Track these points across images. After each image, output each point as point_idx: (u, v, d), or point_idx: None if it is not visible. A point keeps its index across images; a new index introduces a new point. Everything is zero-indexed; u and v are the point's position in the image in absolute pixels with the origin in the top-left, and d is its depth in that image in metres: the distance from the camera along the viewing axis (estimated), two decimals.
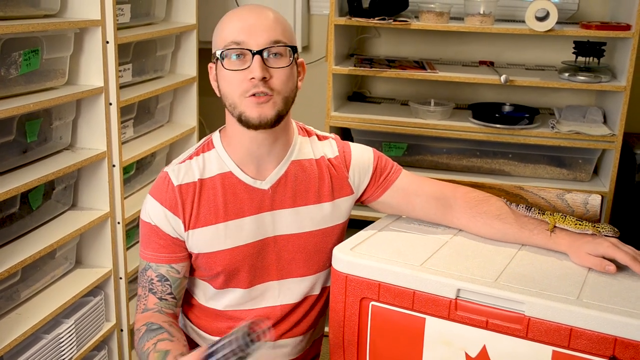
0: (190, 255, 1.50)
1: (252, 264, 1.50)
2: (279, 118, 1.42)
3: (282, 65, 1.40)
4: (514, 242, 1.50)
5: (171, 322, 1.46)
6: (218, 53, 1.41)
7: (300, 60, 1.48)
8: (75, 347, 2.01)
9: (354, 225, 1.65)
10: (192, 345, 1.61)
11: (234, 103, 1.41)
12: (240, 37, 1.38)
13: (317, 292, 1.58)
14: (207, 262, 1.48)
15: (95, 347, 2.15)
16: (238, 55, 1.39)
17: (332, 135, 1.63)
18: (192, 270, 1.54)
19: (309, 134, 1.59)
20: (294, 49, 1.42)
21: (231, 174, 1.48)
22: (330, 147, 1.58)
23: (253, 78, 1.37)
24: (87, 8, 1.98)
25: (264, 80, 1.37)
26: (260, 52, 1.37)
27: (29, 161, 1.92)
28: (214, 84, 1.48)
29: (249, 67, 1.38)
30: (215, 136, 1.53)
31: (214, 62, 1.45)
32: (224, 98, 1.44)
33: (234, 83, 1.39)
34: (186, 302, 1.60)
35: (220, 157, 1.49)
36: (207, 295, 1.55)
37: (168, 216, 1.45)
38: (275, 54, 1.40)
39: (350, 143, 1.62)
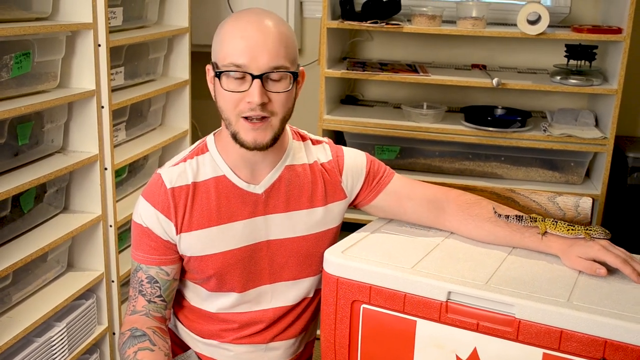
0: (181, 258, 1.50)
1: (245, 268, 1.50)
2: (275, 140, 1.42)
3: (282, 90, 1.38)
4: (506, 244, 1.50)
5: (155, 329, 1.45)
6: (217, 71, 1.38)
7: (301, 69, 1.45)
8: (67, 350, 2.00)
9: (346, 228, 1.65)
10: (184, 347, 1.61)
11: (229, 120, 1.40)
12: (242, 59, 1.34)
13: (309, 295, 1.58)
14: (199, 266, 1.48)
15: (87, 351, 2.14)
16: (239, 77, 1.36)
17: (326, 139, 1.63)
18: (184, 273, 1.54)
19: (303, 138, 1.58)
20: (294, 74, 1.40)
21: (225, 178, 1.48)
22: (323, 152, 1.58)
23: (250, 102, 1.36)
24: (79, 11, 1.98)
25: (262, 105, 1.36)
26: (260, 77, 1.35)
27: (20, 164, 1.92)
28: (210, 86, 1.46)
29: (247, 90, 1.36)
30: (210, 139, 1.52)
31: (213, 69, 1.42)
32: (220, 110, 1.42)
33: (231, 102, 1.37)
34: (178, 303, 1.59)
35: (214, 161, 1.49)
36: (200, 298, 1.55)
37: (160, 219, 1.45)
38: (276, 77, 1.37)
39: (344, 147, 1.62)
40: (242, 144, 1.40)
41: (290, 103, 1.42)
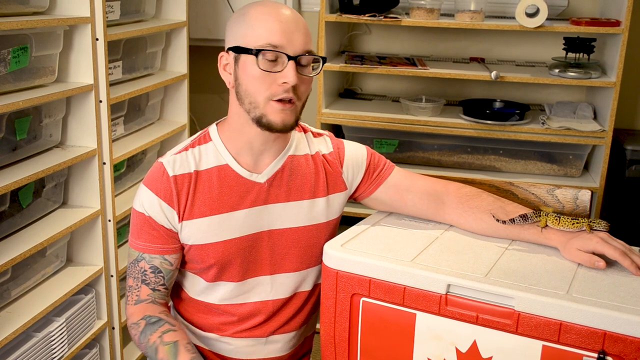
0: (182, 247, 1.50)
1: (245, 257, 1.50)
2: (297, 123, 1.46)
3: (312, 74, 1.43)
4: (505, 237, 1.50)
5: (166, 312, 1.49)
6: (254, 49, 1.37)
7: None
8: (66, 345, 2.00)
9: (345, 221, 1.65)
10: None
11: (256, 103, 1.40)
12: (280, 40, 1.37)
13: (309, 287, 1.59)
14: (200, 254, 1.48)
15: (87, 345, 2.14)
16: (272, 59, 1.38)
17: (327, 132, 1.64)
18: (183, 264, 1.54)
19: (304, 130, 1.60)
20: (324, 59, 1.45)
21: (228, 167, 1.48)
22: (325, 144, 1.59)
23: (285, 82, 1.37)
24: (76, 5, 1.98)
25: (294, 86, 1.38)
26: (295, 58, 1.37)
27: (18, 159, 1.91)
28: (224, 75, 1.46)
29: (281, 71, 1.38)
30: (212, 129, 1.53)
31: (228, 53, 1.43)
32: (243, 94, 1.42)
33: (264, 84, 1.39)
34: (177, 296, 1.60)
35: (217, 150, 1.49)
36: (198, 289, 1.55)
37: (163, 207, 1.45)
38: (308, 61, 1.41)
39: (344, 140, 1.63)
40: (269, 127, 1.41)
41: (310, 90, 1.46)
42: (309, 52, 1.40)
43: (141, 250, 1.48)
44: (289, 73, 1.37)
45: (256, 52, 1.37)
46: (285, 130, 1.43)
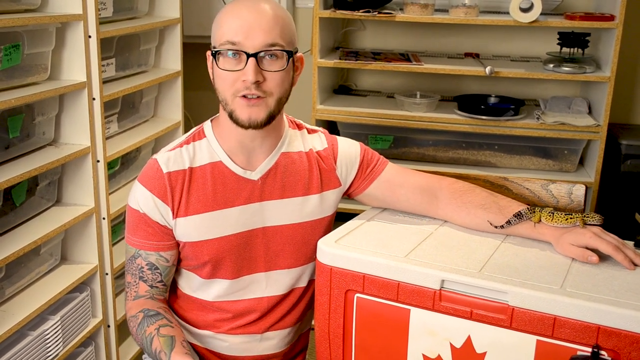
0: (178, 243, 1.49)
1: (240, 254, 1.50)
2: (270, 119, 1.43)
3: (277, 69, 1.40)
4: (498, 232, 1.50)
5: (165, 309, 1.50)
6: (213, 50, 1.40)
7: (298, 55, 1.47)
8: (61, 343, 2.00)
9: (339, 218, 1.65)
10: None
11: (226, 100, 1.41)
12: (237, 37, 1.36)
13: (304, 284, 1.59)
14: (194, 251, 1.48)
15: (82, 344, 2.14)
16: (234, 54, 1.38)
17: (321, 129, 1.64)
18: (179, 261, 1.54)
19: (299, 127, 1.59)
20: (289, 53, 1.41)
21: (221, 164, 1.48)
22: (319, 140, 1.59)
23: (245, 80, 1.37)
24: (68, 2, 1.97)
25: (257, 83, 1.37)
26: (255, 55, 1.37)
27: (11, 157, 1.90)
28: (210, 72, 1.47)
29: (242, 69, 1.37)
30: (207, 126, 1.52)
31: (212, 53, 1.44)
32: (217, 92, 1.44)
33: (227, 82, 1.39)
34: (172, 292, 1.60)
35: (211, 147, 1.49)
36: (193, 286, 1.55)
37: (157, 204, 1.45)
38: (271, 55, 1.39)
39: (338, 137, 1.63)
40: (237, 122, 1.41)
41: (287, 84, 1.44)
42: (272, 46, 1.38)
43: (137, 247, 1.48)
44: (248, 70, 1.36)
45: (215, 52, 1.40)
46: (254, 126, 1.41)
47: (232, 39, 1.37)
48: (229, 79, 1.39)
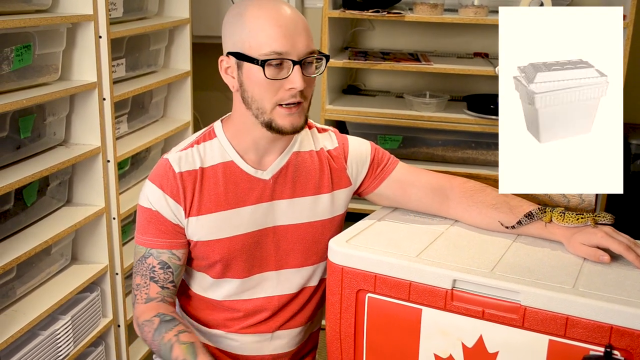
0: (189, 242, 1.49)
1: (251, 254, 1.50)
2: (306, 122, 1.45)
3: (317, 74, 1.42)
4: (509, 232, 1.49)
5: (176, 313, 1.48)
6: (260, 59, 1.36)
7: None
8: (72, 343, 2.01)
9: (350, 218, 1.65)
10: None
11: (264, 109, 1.40)
12: (283, 47, 1.35)
13: (314, 283, 1.59)
14: (205, 251, 1.48)
15: (92, 344, 2.15)
16: (277, 64, 1.37)
17: (331, 128, 1.64)
18: (189, 261, 1.53)
19: (309, 126, 1.59)
20: (327, 57, 1.44)
21: (233, 164, 1.48)
22: (329, 139, 1.59)
23: (292, 88, 1.37)
24: (79, 3, 1.98)
25: (300, 90, 1.38)
26: (300, 62, 1.37)
27: (22, 157, 1.91)
28: (227, 78, 1.45)
29: (287, 77, 1.37)
30: (217, 125, 1.52)
31: (229, 57, 1.42)
32: (249, 100, 1.41)
33: (270, 91, 1.38)
34: (183, 293, 1.60)
35: (222, 146, 1.49)
36: (204, 286, 1.55)
37: (169, 202, 1.45)
38: (312, 61, 1.40)
39: (348, 136, 1.63)
40: (278, 131, 1.41)
41: (314, 87, 1.46)
42: (312, 53, 1.39)
43: (149, 245, 1.48)
44: (295, 79, 1.36)
45: (262, 63, 1.35)
46: (296, 132, 1.43)
47: (278, 49, 1.35)
48: (272, 88, 1.37)
